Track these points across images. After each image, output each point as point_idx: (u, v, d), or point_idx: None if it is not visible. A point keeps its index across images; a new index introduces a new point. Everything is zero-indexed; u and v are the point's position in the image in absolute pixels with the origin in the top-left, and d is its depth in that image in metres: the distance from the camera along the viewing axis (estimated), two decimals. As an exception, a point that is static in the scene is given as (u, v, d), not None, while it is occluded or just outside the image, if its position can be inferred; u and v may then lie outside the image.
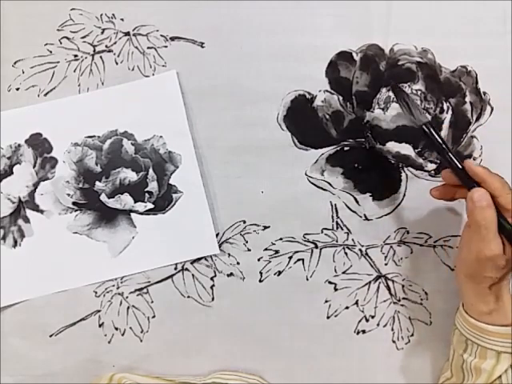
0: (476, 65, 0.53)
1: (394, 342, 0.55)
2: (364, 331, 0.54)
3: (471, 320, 0.45)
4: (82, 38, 0.54)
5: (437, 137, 0.44)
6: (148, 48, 0.54)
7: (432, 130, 0.45)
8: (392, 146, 0.52)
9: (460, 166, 0.43)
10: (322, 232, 0.54)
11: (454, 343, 0.48)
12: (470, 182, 0.43)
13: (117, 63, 0.54)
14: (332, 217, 0.54)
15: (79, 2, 0.54)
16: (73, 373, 0.54)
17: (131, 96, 0.54)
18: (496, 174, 0.43)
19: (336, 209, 0.54)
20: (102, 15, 0.54)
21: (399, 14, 0.53)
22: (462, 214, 0.53)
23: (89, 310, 0.54)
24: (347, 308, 0.54)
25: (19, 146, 0.54)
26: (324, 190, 0.54)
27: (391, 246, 0.54)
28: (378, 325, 0.54)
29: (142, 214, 0.53)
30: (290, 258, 0.54)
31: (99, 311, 0.54)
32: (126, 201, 0.53)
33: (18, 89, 0.54)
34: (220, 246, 0.54)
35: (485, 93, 0.53)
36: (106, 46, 0.54)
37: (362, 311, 0.54)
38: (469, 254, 0.43)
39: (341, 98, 0.53)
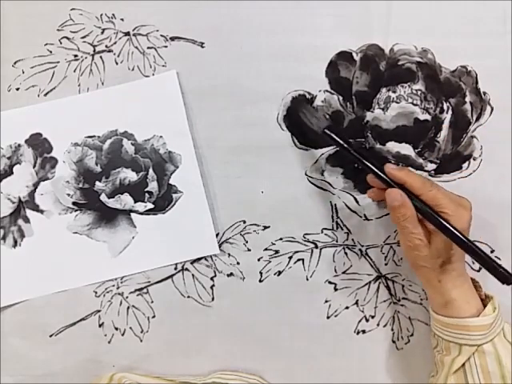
0: (476, 65, 0.53)
1: (393, 341, 0.55)
2: (364, 331, 0.54)
3: (433, 314, 0.47)
4: (82, 38, 0.54)
5: (341, 142, 0.47)
6: (148, 48, 0.54)
7: (334, 135, 0.47)
8: (392, 146, 0.52)
9: (376, 170, 0.46)
10: (322, 232, 0.54)
11: (431, 340, 0.50)
12: (390, 184, 0.45)
13: (117, 63, 0.54)
14: (332, 217, 0.54)
15: (79, 2, 0.54)
16: (73, 373, 0.54)
17: (131, 96, 0.54)
18: (415, 173, 0.47)
19: (336, 209, 0.54)
20: (101, 15, 0.54)
21: (399, 13, 0.53)
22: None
23: (89, 310, 0.54)
24: (347, 308, 0.54)
25: (19, 146, 0.54)
26: (324, 189, 0.54)
27: (391, 246, 0.54)
28: (377, 325, 0.54)
29: (142, 214, 0.54)
30: (290, 257, 0.54)
31: (99, 311, 0.54)
32: (126, 201, 0.53)
33: (18, 89, 0.54)
34: (220, 246, 0.54)
35: (485, 93, 0.53)
36: (106, 46, 0.54)
37: (362, 311, 0.54)
38: (401, 248, 0.47)
39: (341, 97, 0.53)
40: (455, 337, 0.45)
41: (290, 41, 0.53)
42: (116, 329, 0.54)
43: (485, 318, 0.44)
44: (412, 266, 0.47)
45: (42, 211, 0.54)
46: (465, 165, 0.53)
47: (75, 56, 0.54)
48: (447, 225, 0.43)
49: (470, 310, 0.45)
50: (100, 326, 0.54)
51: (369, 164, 0.46)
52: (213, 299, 0.54)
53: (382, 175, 0.46)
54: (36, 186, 0.54)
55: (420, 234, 0.44)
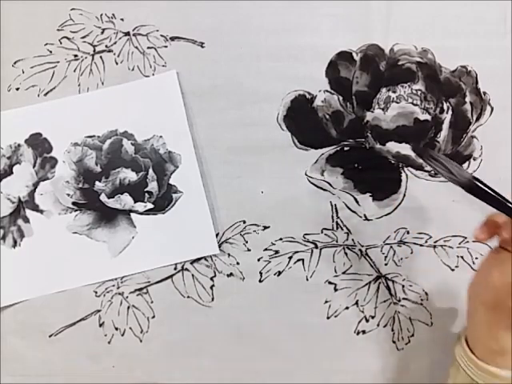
0: (476, 65, 0.53)
1: (394, 342, 0.55)
2: (364, 331, 0.54)
3: (479, 362, 0.41)
4: (82, 38, 0.54)
5: (488, 190, 0.40)
6: (148, 48, 0.54)
7: (481, 184, 0.40)
8: (392, 146, 0.52)
9: None
10: (322, 232, 0.54)
11: (459, 382, 0.43)
12: None
13: (117, 63, 0.54)
14: (332, 217, 0.54)
15: (79, 2, 0.54)
16: (73, 373, 0.54)
17: (131, 96, 0.54)
18: None
19: (336, 209, 0.54)
20: (101, 15, 0.54)
21: (399, 13, 0.53)
22: (462, 215, 0.53)
23: (89, 309, 0.54)
24: (347, 308, 0.54)
25: (19, 145, 0.54)
26: (324, 190, 0.53)
27: (391, 246, 0.54)
28: (378, 325, 0.54)
29: (141, 214, 0.54)
30: (290, 258, 0.54)
31: (99, 311, 0.54)
32: (125, 201, 0.53)
33: (17, 89, 0.54)
34: (220, 246, 0.54)
35: (485, 93, 0.53)
36: (106, 46, 0.54)
37: (362, 311, 0.54)
38: (500, 280, 0.39)
39: (341, 97, 0.53)
40: None
41: (289, 41, 0.53)
42: (116, 329, 0.54)
43: None
44: (487, 306, 0.40)
45: (41, 211, 0.54)
46: (465, 165, 0.53)
47: (75, 56, 0.54)
48: None
49: None
50: (100, 325, 0.54)
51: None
52: (213, 299, 0.54)
53: None
54: (36, 185, 0.54)
55: None
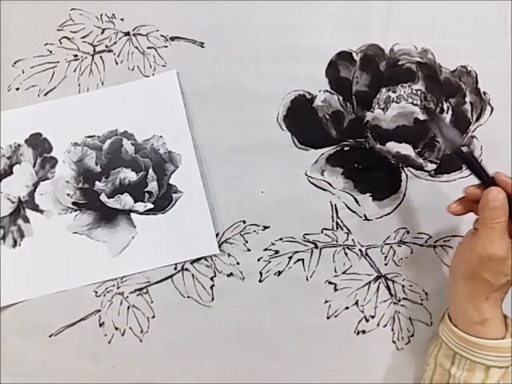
0: (476, 65, 0.53)
1: (394, 342, 0.55)
2: (364, 331, 0.54)
3: (460, 333, 0.45)
4: (82, 37, 0.54)
5: (473, 160, 0.44)
6: (148, 48, 0.54)
7: (469, 154, 0.44)
8: (392, 146, 0.52)
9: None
10: (322, 232, 0.54)
11: (440, 358, 0.47)
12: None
13: (117, 63, 0.54)
14: (332, 217, 0.54)
15: (79, 2, 0.54)
16: (73, 373, 0.54)
17: (131, 96, 0.54)
18: None
19: (336, 209, 0.54)
20: (101, 15, 0.54)
21: (399, 13, 0.53)
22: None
23: (89, 309, 0.54)
24: (347, 308, 0.54)
25: (19, 145, 0.54)
26: (324, 190, 0.53)
27: (391, 246, 0.54)
28: (378, 325, 0.54)
29: (141, 213, 0.53)
30: (290, 258, 0.54)
31: (99, 311, 0.54)
32: (125, 201, 0.53)
33: (17, 89, 0.54)
34: (220, 246, 0.54)
35: (485, 93, 0.53)
36: (106, 46, 0.54)
37: (362, 311, 0.54)
38: (471, 253, 0.43)
39: (341, 97, 0.53)
40: (485, 358, 0.43)
41: (289, 41, 0.53)
42: (116, 329, 0.54)
43: None
44: (465, 277, 0.44)
45: (41, 211, 0.54)
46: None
47: (75, 56, 0.54)
48: None
49: (502, 331, 0.44)
50: (100, 325, 0.54)
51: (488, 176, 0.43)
52: (213, 299, 0.54)
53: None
54: (36, 185, 0.54)
55: (506, 246, 0.41)
